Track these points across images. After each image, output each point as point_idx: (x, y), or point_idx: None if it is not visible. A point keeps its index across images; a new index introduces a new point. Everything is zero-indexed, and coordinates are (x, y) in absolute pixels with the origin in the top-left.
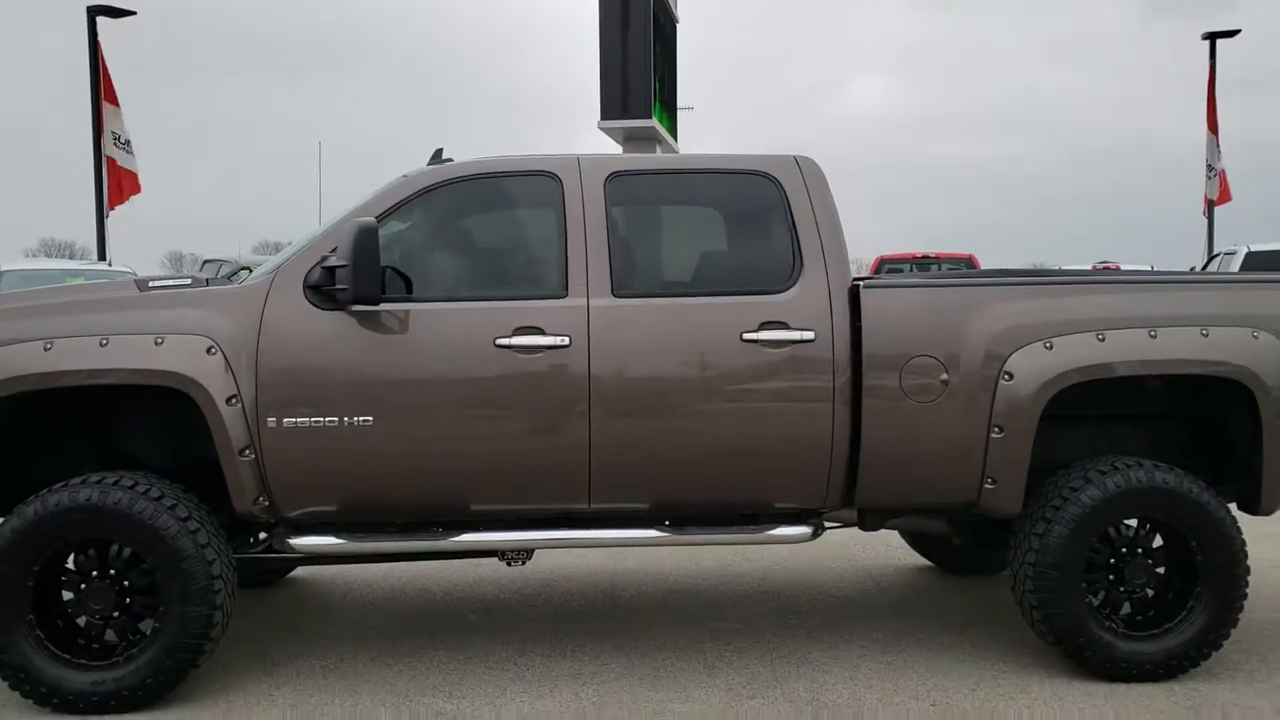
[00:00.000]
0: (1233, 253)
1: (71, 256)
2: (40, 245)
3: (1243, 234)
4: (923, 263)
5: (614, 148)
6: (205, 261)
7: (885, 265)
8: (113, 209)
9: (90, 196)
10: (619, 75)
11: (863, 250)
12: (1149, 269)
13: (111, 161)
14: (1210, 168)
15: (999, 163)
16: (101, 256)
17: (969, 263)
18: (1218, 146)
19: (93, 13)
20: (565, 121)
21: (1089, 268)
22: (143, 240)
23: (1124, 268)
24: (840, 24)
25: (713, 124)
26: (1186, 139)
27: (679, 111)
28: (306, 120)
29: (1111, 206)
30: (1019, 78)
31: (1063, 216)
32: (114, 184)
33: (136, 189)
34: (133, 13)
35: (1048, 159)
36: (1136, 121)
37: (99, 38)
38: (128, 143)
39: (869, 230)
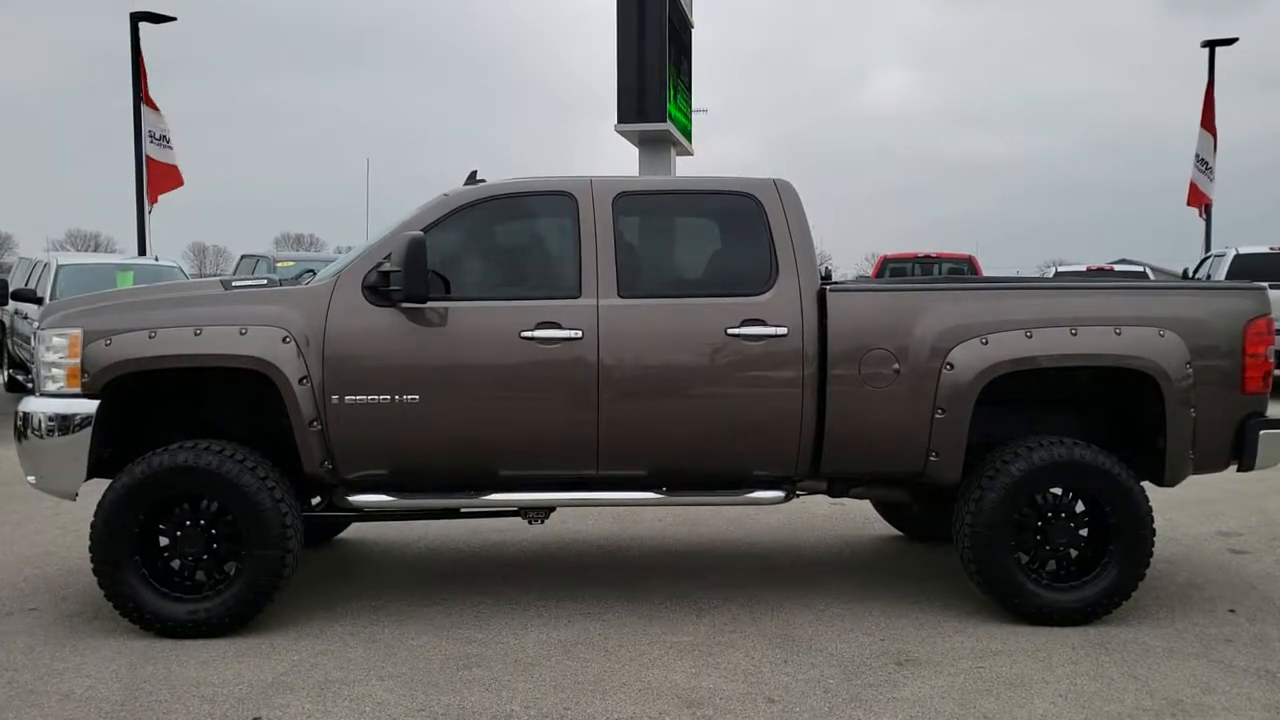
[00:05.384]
0: (1222, 255)
1: (98, 248)
2: (67, 237)
3: None
4: (925, 263)
5: (630, 149)
6: (243, 257)
7: (889, 265)
8: (152, 204)
9: (117, 188)
10: (635, 80)
11: (882, 247)
12: (1143, 270)
13: (149, 159)
14: (1210, 169)
15: (1026, 158)
16: (142, 252)
17: (969, 263)
18: (1213, 149)
19: (135, 19)
20: (597, 115)
21: (1083, 269)
22: (167, 233)
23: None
24: (865, 17)
25: (729, 121)
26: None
27: (694, 114)
28: (325, 106)
29: (1141, 201)
30: (1046, 73)
31: (1089, 211)
32: (150, 180)
33: (178, 182)
34: (173, 18)
35: (1076, 154)
36: (1164, 115)
37: (140, 42)
38: (164, 137)
39: (890, 225)
